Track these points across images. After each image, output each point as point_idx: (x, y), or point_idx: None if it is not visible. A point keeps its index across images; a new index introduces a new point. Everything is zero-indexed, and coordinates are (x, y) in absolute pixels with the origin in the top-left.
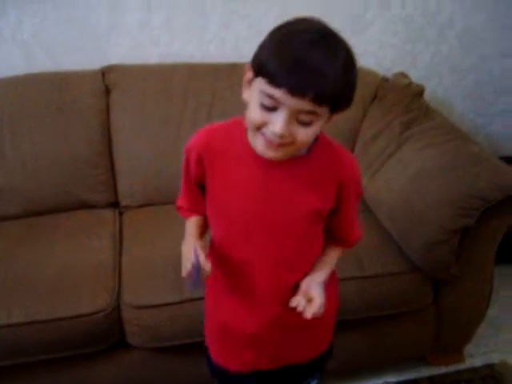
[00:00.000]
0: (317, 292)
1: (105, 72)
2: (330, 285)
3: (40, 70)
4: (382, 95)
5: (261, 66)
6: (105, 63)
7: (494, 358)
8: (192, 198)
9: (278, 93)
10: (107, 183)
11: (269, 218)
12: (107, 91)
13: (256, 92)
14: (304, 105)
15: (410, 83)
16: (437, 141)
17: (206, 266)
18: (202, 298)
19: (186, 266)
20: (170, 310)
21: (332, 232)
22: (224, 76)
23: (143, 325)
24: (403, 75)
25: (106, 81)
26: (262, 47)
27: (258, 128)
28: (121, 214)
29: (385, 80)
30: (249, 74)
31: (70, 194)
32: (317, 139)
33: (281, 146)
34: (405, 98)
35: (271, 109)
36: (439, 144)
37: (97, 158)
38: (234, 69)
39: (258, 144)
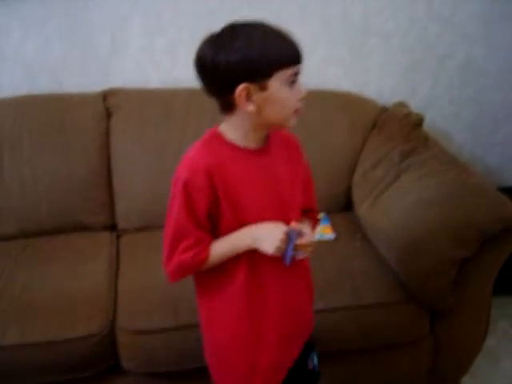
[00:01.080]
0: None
1: (106, 95)
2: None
3: (42, 91)
4: (382, 124)
5: (277, 61)
6: (107, 86)
7: None
8: (207, 233)
9: (298, 67)
10: (105, 206)
11: (282, 200)
12: (108, 114)
13: (280, 86)
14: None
15: (410, 113)
16: (435, 170)
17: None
18: (197, 325)
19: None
20: (165, 335)
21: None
22: None
23: (138, 349)
24: (403, 105)
25: (107, 104)
26: (254, 51)
27: (294, 109)
28: (118, 237)
29: (384, 109)
30: (248, 89)
31: (67, 215)
32: None
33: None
34: (404, 128)
35: (293, 84)
36: (438, 174)
37: (95, 181)
38: None
39: (292, 122)
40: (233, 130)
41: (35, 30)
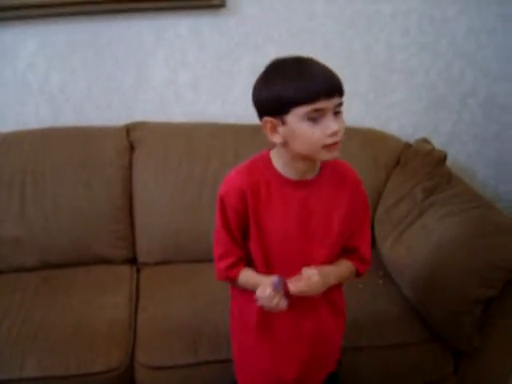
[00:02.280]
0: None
1: (129, 129)
2: (340, 298)
3: (66, 123)
4: (405, 161)
5: (291, 99)
6: (130, 120)
7: None
8: (235, 245)
9: (318, 104)
10: (126, 239)
11: (310, 233)
12: (131, 148)
13: (298, 122)
14: (337, 100)
15: (433, 149)
16: (459, 208)
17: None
18: (216, 361)
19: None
20: (184, 371)
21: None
22: (248, 137)
23: None
24: (426, 141)
25: (130, 138)
26: (272, 90)
27: (322, 145)
28: (138, 270)
29: (407, 146)
30: (272, 122)
31: (88, 248)
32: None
33: (336, 144)
34: (427, 165)
35: (319, 120)
36: (462, 212)
37: (117, 214)
38: (257, 130)
39: (325, 156)
40: (277, 158)
41: (60, 63)
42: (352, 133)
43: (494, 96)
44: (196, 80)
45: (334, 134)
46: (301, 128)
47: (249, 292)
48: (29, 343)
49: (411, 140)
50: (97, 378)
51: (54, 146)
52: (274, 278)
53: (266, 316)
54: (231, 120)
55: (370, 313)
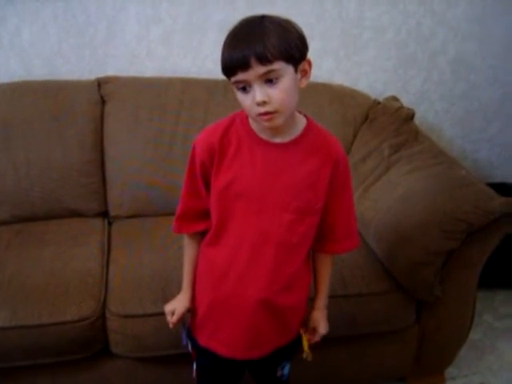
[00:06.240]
0: (323, 327)
1: (101, 83)
2: (306, 275)
3: (37, 77)
4: (373, 117)
5: (222, 70)
6: (101, 74)
7: (475, 381)
8: (193, 193)
9: (237, 77)
10: (98, 192)
11: (270, 193)
12: (102, 102)
13: (235, 89)
14: (258, 70)
15: (401, 107)
16: (425, 164)
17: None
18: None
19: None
20: (154, 320)
21: (332, 227)
22: (218, 92)
23: (127, 334)
24: (394, 99)
25: (102, 91)
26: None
27: (255, 113)
28: (110, 223)
29: (376, 103)
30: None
31: (60, 201)
32: (307, 124)
33: (271, 114)
34: (395, 122)
35: (247, 90)
36: (427, 167)
37: (88, 168)
38: (228, 85)
39: (263, 124)
40: None
41: (31, 17)
42: (322, 89)
43: (463, 55)
44: (167, 35)
45: (260, 104)
46: (238, 96)
47: (207, 249)
48: (2, 294)
49: (381, 98)
50: (69, 326)
51: (25, 99)
52: (182, 333)
53: (222, 277)
54: (202, 75)
55: (335, 263)
